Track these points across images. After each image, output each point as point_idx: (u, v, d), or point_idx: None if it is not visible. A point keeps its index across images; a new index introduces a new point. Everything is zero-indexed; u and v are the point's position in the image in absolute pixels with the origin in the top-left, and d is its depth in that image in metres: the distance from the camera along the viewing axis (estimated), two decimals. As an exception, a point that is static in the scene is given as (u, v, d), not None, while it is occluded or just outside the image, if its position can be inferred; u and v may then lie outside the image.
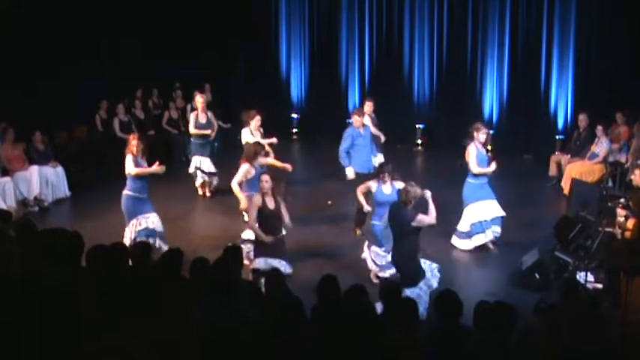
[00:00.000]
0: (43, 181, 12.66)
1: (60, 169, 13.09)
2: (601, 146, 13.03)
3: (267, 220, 8.72)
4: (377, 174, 9.63)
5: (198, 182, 13.20)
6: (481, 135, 10.36)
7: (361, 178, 10.77)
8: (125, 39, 15.83)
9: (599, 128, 13.12)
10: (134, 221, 9.80)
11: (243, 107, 13.15)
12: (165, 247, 9.61)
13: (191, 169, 13.16)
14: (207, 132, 13.05)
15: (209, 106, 13.96)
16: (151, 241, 9.45)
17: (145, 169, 9.83)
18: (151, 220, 9.87)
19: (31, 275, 5.51)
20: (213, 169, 13.13)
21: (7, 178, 12.06)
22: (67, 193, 13.17)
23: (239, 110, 13.53)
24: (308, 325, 5.53)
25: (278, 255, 8.68)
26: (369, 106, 12.71)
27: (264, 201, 8.67)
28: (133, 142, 9.85)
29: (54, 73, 14.02)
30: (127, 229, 9.89)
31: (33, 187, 12.45)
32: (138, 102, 16.24)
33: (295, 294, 6.33)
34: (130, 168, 9.74)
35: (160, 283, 6.02)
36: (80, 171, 13.88)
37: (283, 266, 8.53)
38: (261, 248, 8.72)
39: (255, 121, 11.88)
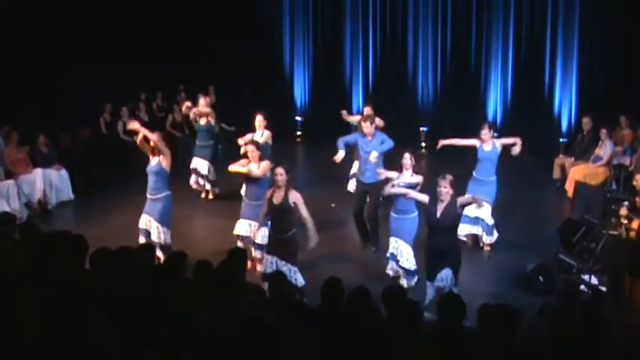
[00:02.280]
0: (47, 183, 12.65)
1: (64, 172, 13.09)
2: (605, 149, 13.01)
3: (270, 214, 8.73)
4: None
5: (191, 180, 13.23)
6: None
7: (366, 187, 10.57)
8: (128, 41, 15.84)
9: (604, 131, 13.12)
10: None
11: (247, 110, 13.15)
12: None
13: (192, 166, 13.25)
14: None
15: (212, 107, 13.99)
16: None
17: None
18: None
19: (34, 277, 5.53)
20: (209, 174, 13.15)
21: (11, 181, 12.06)
22: (71, 195, 13.16)
23: (244, 113, 13.55)
24: (311, 326, 5.53)
25: (288, 259, 8.66)
26: (366, 112, 12.40)
27: (272, 195, 8.62)
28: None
29: (57, 75, 14.02)
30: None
31: (37, 189, 12.44)
32: (142, 105, 16.26)
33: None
34: None
35: (164, 284, 6.03)
36: (84, 174, 13.89)
37: (290, 271, 8.50)
38: (270, 244, 8.84)
39: (257, 122, 11.80)
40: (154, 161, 9.81)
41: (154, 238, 9.74)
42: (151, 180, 9.84)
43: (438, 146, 10.84)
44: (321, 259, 10.08)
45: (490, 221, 10.54)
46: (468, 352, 5.18)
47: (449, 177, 8.16)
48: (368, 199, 10.60)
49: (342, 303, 5.94)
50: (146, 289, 5.85)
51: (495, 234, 10.64)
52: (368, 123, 10.46)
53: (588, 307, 6.22)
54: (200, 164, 13.09)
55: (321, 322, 5.65)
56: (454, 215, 8.13)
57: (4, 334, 4.00)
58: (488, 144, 10.48)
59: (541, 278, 9.12)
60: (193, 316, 5.19)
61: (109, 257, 6.38)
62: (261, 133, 11.58)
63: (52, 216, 12.42)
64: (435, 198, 8.19)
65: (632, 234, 9.12)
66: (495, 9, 16.39)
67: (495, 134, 10.83)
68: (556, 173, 14.13)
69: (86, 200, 13.08)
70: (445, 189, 8.05)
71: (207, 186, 13.28)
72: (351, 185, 12.29)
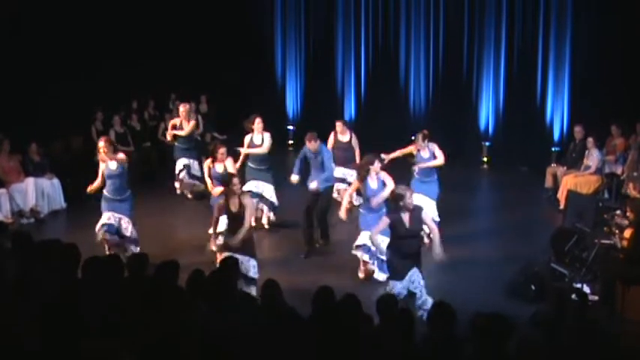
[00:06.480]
0: (39, 192, 12.63)
1: (56, 181, 13.06)
2: (592, 158, 13.03)
3: (229, 221, 9.11)
4: (363, 173, 9.79)
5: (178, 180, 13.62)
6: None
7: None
8: (120, 49, 15.84)
9: (590, 140, 13.13)
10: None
11: (238, 118, 13.25)
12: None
13: (178, 169, 13.55)
14: (180, 133, 13.44)
15: (204, 116, 14.17)
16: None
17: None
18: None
19: (27, 286, 5.50)
20: (198, 174, 13.47)
21: (2, 190, 12.05)
22: (63, 204, 13.13)
23: (236, 121, 13.65)
24: (303, 334, 5.52)
25: (248, 253, 8.99)
26: (338, 127, 12.94)
27: (228, 202, 9.01)
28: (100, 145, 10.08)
29: (49, 84, 13.97)
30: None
31: (29, 198, 12.43)
32: (134, 114, 16.23)
33: (290, 302, 6.33)
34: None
35: (157, 293, 6.01)
36: (76, 182, 13.83)
37: (252, 267, 8.93)
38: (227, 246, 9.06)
39: (255, 124, 11.88)
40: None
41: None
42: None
43: (386, 161, 11.09)
44: (311, 265, 10.32)
45: (436, 219, 10.89)
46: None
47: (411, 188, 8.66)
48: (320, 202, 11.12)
49: (334, 311, 5.93)
50: (137, 298, 5.84)
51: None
52: (312, 142, 11.10)
53: (577, 313, 6.23)
54: (192, 164, 13.54)
55: (314, 330, 5.65)
56: (419, 220, 8.41)
57: (2, 343, 3.98)
58: (425, 151, 11.14)
59: (533, 287, 9.13)
60: (187, 325, 5.18)
61: (100, 266, 6.37)
62: (261, 137, 11.75)
63: (43, 225, 12.38)
64: (398, 210, 8.38)
65: (625, 243, 9.15)
66: (487, 17, 16.43)
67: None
68: (548, 182, 14.13)
69: (78, 209, 12.99)
70: (410, 200, 8.32)
71: (197, 183, 13.66)
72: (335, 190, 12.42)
